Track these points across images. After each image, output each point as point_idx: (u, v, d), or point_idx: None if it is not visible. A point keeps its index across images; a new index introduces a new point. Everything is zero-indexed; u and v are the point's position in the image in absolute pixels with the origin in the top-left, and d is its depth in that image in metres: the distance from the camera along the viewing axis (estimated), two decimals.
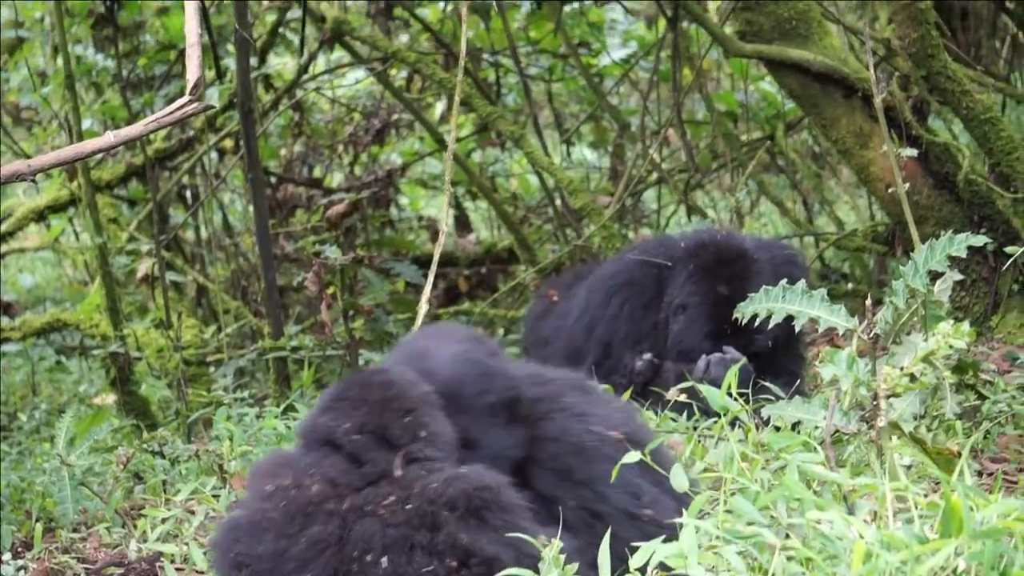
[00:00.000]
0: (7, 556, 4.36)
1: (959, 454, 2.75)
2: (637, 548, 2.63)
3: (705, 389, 3.03)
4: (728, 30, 6.43)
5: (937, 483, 3.34)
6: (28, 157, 7.94)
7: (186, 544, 4.32)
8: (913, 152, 5.65)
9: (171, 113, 3.54)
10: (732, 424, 3.78)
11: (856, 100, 6.12)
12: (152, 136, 7.94)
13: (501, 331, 7.76)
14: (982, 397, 4.37)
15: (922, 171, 6.05)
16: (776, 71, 6.34)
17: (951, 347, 2.74)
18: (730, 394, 3.11)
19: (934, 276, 4.14)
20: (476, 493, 2.83)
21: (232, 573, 2.91)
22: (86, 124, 7.97)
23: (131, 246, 7.80)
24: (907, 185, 5.33)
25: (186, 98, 3.53)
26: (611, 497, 3.11)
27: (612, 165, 9.04)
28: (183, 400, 6.39)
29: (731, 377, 3.01)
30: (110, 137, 3.69)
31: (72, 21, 7.91)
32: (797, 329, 4.29)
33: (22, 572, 4.29)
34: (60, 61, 7.15)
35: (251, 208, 7.71)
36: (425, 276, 6.01)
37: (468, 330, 3.56)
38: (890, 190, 5.73)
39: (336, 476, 2.91)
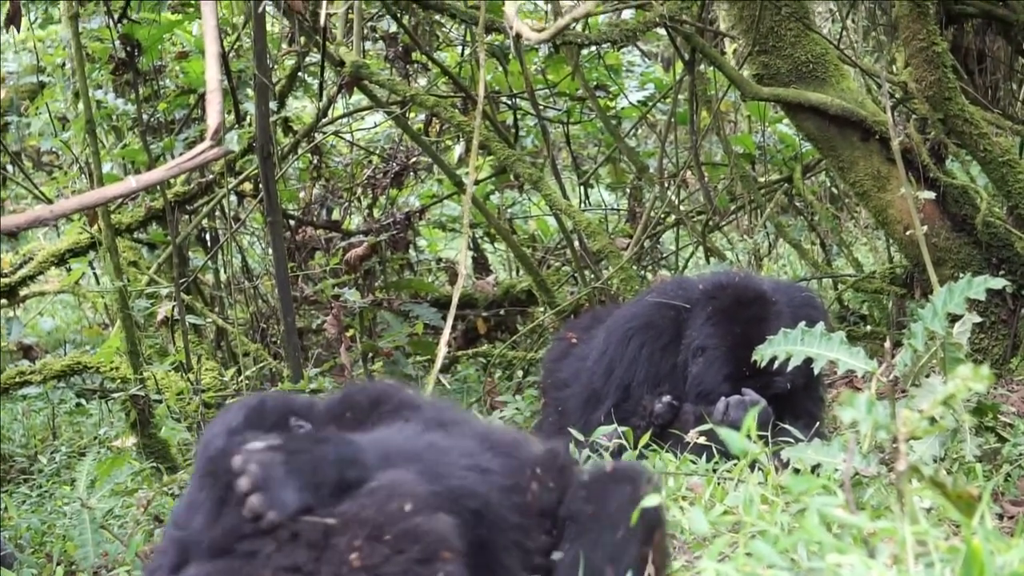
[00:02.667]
0: None
1: (979, 497, 2.74)
2: None
3: (723, 432, 3.02)
4: (745, 73, 6.46)
5: (957, 527, 3.33)
6: (49, 201, 8.00)
7: None
8: (931, 195, 5.67)
9: (192, 158, 3.56)
10: (751, 466, 3.78)
11: (874, 143, 6.14)
12: (172, 180, 7.98)
13: (520, 373, 7.76)
14: (1002, 440, 4.37)
15: (940, 213, 6.06)
16: (793, 114, 6.36)
17: (970, 390, 2.73)
18: (749, 437, 3.11)
19: (953, 318, 4.14)
20: None
21: None
22: (106, 168, 8.01)
23: (151, 289, 7.81)
24: (925, 227, 5.35)
25: (207, 143, 3.55)
26: None
27: (630, 207, 9.06)
28: None
29: (751, 420, 3.01)
30: (132, 182, 3.71)
31: (92, 66, 7.96)
32: (816, 371, 4.30)
33: None
34: (81, 106, 7.19)
35: (270, 251, 7.74)
36: (444, 318, 6.04)
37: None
38: (908, 232, 5.74)
39: None
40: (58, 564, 4.70)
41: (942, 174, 6.03)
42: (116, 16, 7.35)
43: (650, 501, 2.87)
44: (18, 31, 7.35)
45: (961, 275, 4.17)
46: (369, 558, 2.66)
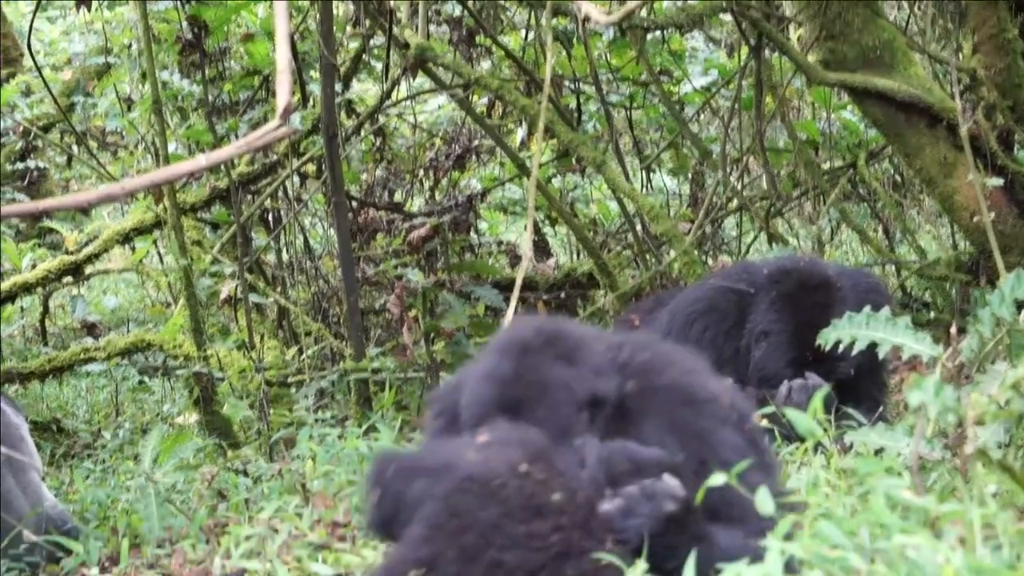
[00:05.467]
0: (94, 571, 4.42)
1: None
2: None
3: (790, 412, 3.02)
4: (811, 59, 6.43)
5: (1023, 511, 3.32)
6: (115, 180, 8.07)
7: (270, 561, 4.35)
8: (999, 181, 5.63)
9: (261, 136, 3.58)
10: (815, 449, 3.77)
11: (940, 129, 6.10)
12: (236, 160, 8.03)
13: None
14: None
15: (1007, 200, 6.02)
16: (860, 100, 6.33)
17: None
18: (815, 419, 3.10)
19: (1020, 305, 4.12)
20: None
21: None
22: (172, 148, 8.07)
23: (214, 268, 7.87)
24: (992, 214, 5.31)
25: (276, 122, 3.57)
26: (720, 451, 3.12)
27: (692, 192, 9.05)
28: (265, 420, 6.44)
29: (818, 401, 3.01)
30: (201, 160, 3.73)
31: (159, 47, 8.01)
32: (880, 357, 4.29)
33: None
34: (147, 86, 7.26)
35: (332, 231, 7.78)
36: (505, 300, 6.05)
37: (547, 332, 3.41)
38: (975, 219, 5.71)
39: None
40: (123, 537, 4.74)
41: (1010, 161, 5.99)
42: None
43: None
44: (88, 11, 7.42)
45: None
46: None
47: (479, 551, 2.84)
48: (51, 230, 10.65)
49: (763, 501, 2.79)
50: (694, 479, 3.01)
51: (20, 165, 10.58)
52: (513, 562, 2.82)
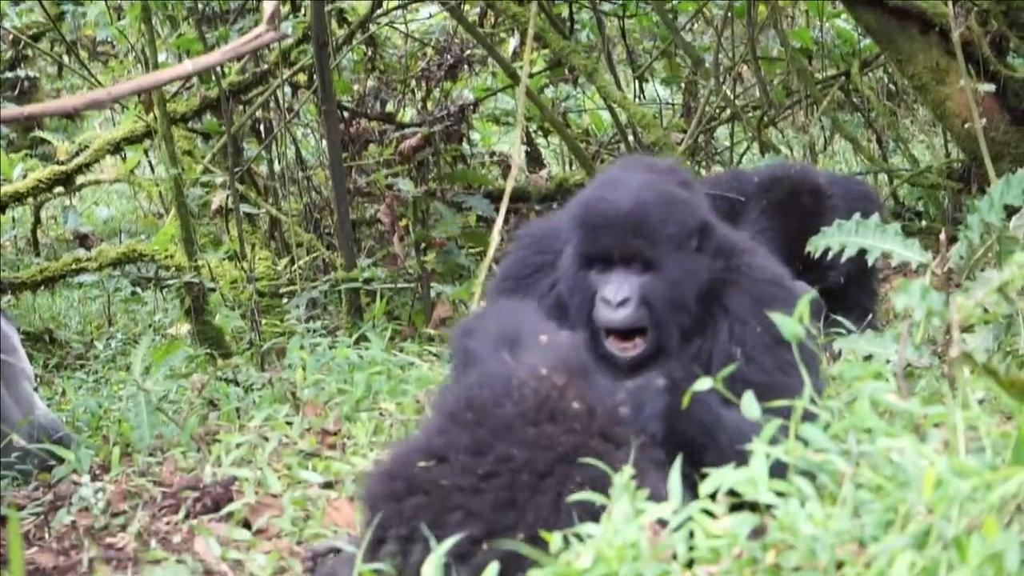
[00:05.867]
0: (85, 479, 4.43)
1: None
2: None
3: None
4: None
5: (1009, 417, 3.33)
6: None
7: (260, 469, 4.37)
8: (991, 87, 5.60)
9: (248, 42, 3.56)
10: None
11: (933, 35, 6.06)
12: (227, 69, 7.98)
13: None
14: None
15: (999, 107, 5.99)
16: (853, 6, 6.29)
17: None
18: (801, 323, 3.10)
19: (1010, 212, 4.11)
20: None
21: None
22: (161, 58, 8.01)
23: (206, 178, 7.85)
24: (984, 121, 5.29)
25: (263, 27, 3.55)
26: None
27: (685, 102, 9.01)
28: (256, 330, 6.45)
29: (803, 307, 3.00)
30: (188, 65, 3.71)
31: None
32: (870, 263, 4.29)
33: (100, 494, 4.35)
34: None
35: (324, 142, 7.74)
36: (497, 210, 6.03)
37: (666, 161, 3.75)
38: (966, 126, 5.69)
39: None
40: (114, 445, 4.75)
41: (1002, 67, 5.95)
42: None
43: None
44: None
45: (1019, 169, 4.13)
46: None
47: (489, 446, 2.91)
48: (42, 140, 10.62)
49: (748, 405, 2.80)
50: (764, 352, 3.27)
51: (10, 75, 10.52)
52: (521, 459, 2.88)
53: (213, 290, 7.08)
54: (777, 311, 3.11)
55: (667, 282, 3.42)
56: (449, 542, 2.83)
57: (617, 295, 3.42)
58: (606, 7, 8.46)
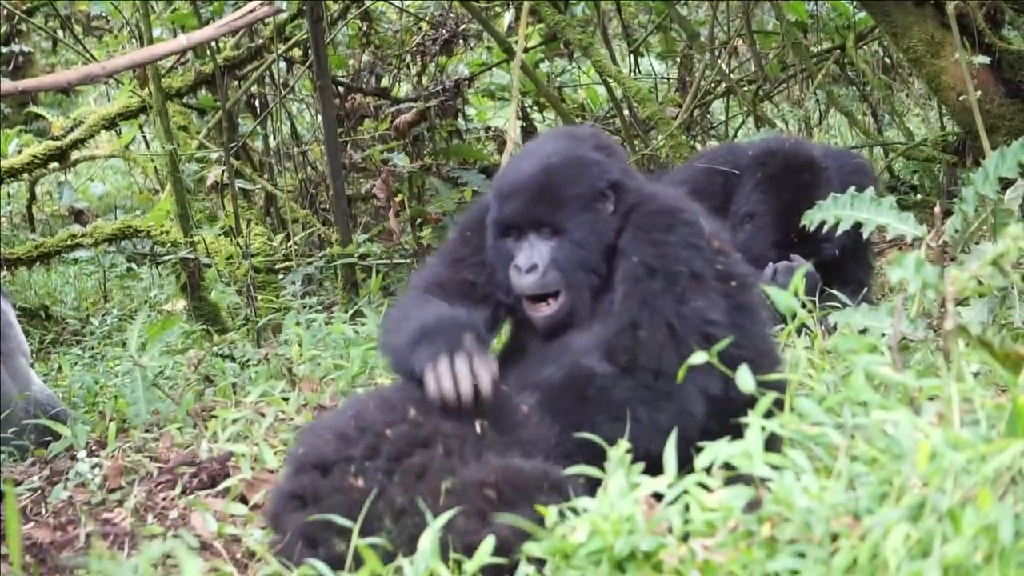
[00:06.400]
0: (82, 454, 4.44)
1: None
2: None
3: (772, 291, 3.02)
4: None
5: (1004, 389, 3.34)
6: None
7: (256, 444, 4.37)
8: (985, 60, 5.58)
9: (243, 16, 3.56)
10: (799, 332, 3.79)
11: (928, 7, 6.05)
12: (221, 44, 7.96)
13: None
14: None
15: (994, 79, 5.98)
16: None
17: (1021, 250, 2.71)
18: (797, 299, 3.10)
19: (1005, 184, 4.11)
20: None
21: None
22: (156, 33, 7.99)
23: (201, 154, 7.84)
24: (978, 93, 5.28)
25: (258, 2, 3.55)
26: (682, 258, 3.35)
27: (680, 76, 9.00)
28: (252, 306, 6.45)
29: (797, 280, 3.01)
30: (182, 40, 3.71)
31: None
32: (865, 237, 4.29)
33: (97, 470, 4.36)
34: None
35: (319, 117, 7.73)
36: None
37: (587, 128, 3.84)
38: (961, 98, 5.67)
39: None
40: (111, 421, 4.76)
41: (997, 39, 5.94)
42: None
43: None
44: None
45: (1014, 142, 4.12)
46: None
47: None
48: (37, 116, 10.60)
49: (743, 378, 2.80)
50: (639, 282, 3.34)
51: (4, 49, 10.50)
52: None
53: (209, 266, 7.08)
54: (660, 237, 3.33)
55: (573, 245, 3.50)
56: (445, 516, 2.85)
57: (527, 262, 3.52)
58: None
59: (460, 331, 3.28)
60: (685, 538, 2.58)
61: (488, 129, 9.38)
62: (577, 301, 3.52)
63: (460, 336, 3.27)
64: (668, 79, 9.37)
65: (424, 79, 8.59)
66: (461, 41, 8.68)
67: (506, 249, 3.58)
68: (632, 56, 8.79)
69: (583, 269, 3.51)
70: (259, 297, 6.50)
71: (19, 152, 8.46)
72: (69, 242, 7.95)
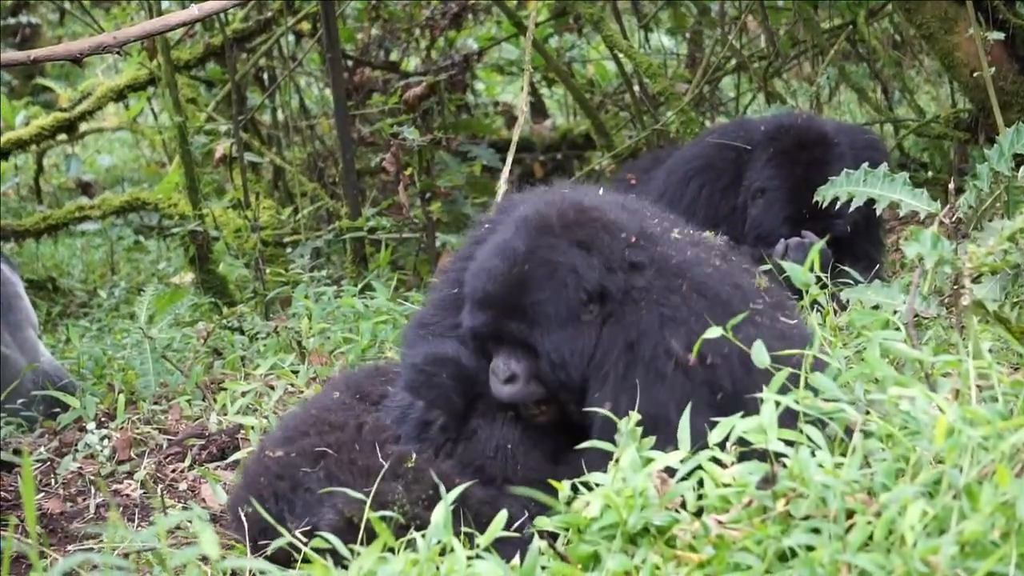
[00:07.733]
0: (91, 425, 4.44)
1: None
2: None
3: (787, 266, 3.01)
4: None
5: (1019, 365, 3.33)
6: None
7: (265, 417, 4.38)
8: (1000, 36, 5.53)
9: None
10: (811, 307, 3.77)
11: None
12: (230, 17, 7.94)
13: None
14: None
15: (1008, 56, 5.94)
16: None
17: None
18: (812, 271, 3.09)
19: (1019, 161, 4.09)
20: None
21: None
22: (165, 4, 7.97)
23: (209, 126, 7.82)
24: (993, 69, 5.25)
25: None
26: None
27: (690, 52, 8.96)
28: (261, 279, 6.44)
29: (814, 253, 2.99)
30: (194, 10, 3.70)
31: None
32: (878, 213, 4.27)
33: (106, 441, 4.36)
34: None
35: (328, 91, 7.71)
36: (502, 160, 6.01)
37: (571, 215, 3.33)
38: (975, 74, 5.63)
39: None
40: (119, 393, 4.76)
41: (1012, 15, 5.89)
42: None
43: None
44: None
45: None
46: None
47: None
48: (45, 88, 10.58)
49: (758, 353, 2.79)
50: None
51: (12, 20, 10.48)
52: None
53: (217, 239, 7.06)
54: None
55: (551, 365, 3.21)
56: (459, 489, 2.84)
57: (505, 371, 3.28)
58: None
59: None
60: (698, 513, 2.57)
61: (496, 103, 9.37)
62: (565, 402, 3.29)
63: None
64: (678, 55, 9.34)
65: (433, 53, 8.57)
66: (470, 15, 8.66)
67: (486, 348, 3.34)
68: (642, 31, 8.75)
69: (562, 387, 3.24)
70: (268, 270, 6.49)
71: (27, 124, 8.45)
72: (77, 214, 7.95)
